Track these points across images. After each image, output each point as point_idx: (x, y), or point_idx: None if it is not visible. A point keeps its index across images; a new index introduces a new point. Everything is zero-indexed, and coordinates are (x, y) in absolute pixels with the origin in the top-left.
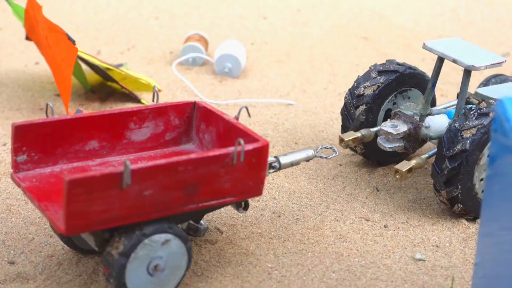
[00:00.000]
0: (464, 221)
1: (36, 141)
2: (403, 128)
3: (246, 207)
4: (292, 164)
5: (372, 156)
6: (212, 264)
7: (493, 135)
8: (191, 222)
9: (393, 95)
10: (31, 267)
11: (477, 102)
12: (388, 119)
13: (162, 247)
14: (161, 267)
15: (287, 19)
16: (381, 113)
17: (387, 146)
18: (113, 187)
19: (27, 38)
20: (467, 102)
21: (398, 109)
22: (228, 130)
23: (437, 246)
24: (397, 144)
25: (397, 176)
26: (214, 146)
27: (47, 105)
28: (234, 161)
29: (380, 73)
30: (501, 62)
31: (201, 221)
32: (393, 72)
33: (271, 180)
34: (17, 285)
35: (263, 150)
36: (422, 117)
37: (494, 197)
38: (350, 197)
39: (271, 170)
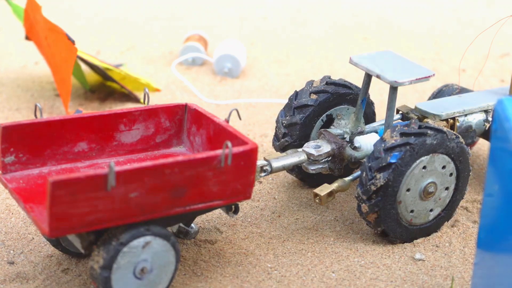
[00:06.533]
0: (464, 221)
1: (24, 142)
2: (326, 148)
3: (236, 211)
4: (284, 168)
5: (309, 180)
6: (211, 264)
7: (493, 135)
8: (181, 225)
9: (324, 115)
10: (31, 267)
11: (416, 117)
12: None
13: (144, 250)
14: (149, 269)
15: (287, 19)
16: (315, 131)
17: (310, 168)
18: (98, 189)
19: (27, 38)
20: (406, 118)
21: (324, 129)
22: (218, 133)
23: (437, 246)
24: (321, 166)
25: (316, 201)
26: (205, 149)
27: (35, 105)
28: (222, 164)
29: (313, 93)
30: (428, 77)
31: (192, 224)
32: (323, 93)
33: (271, 180)
34: (17, 285)
35: (252, 153)
36: (353, 135)
37: (494, 197)
38: (350, 197)
39: (263, 174)
